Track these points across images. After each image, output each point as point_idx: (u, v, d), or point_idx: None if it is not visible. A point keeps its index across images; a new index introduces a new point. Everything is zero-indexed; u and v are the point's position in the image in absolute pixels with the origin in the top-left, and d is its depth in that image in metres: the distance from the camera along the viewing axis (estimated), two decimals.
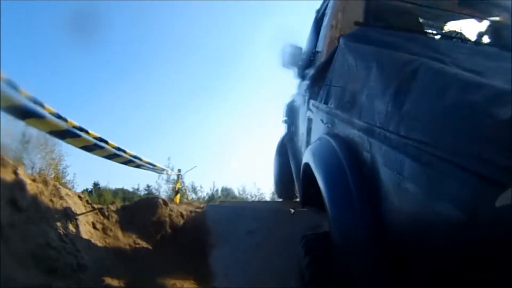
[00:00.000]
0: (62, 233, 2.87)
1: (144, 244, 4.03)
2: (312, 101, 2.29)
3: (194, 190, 8.96)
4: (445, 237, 0.72)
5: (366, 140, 1.15)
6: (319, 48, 2.58)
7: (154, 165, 5.04)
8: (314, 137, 2.06)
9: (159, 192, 8.38)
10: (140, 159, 4.26)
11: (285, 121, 3.99)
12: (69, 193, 3.51)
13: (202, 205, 5.49)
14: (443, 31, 2.36)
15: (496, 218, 0.58)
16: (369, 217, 1.03)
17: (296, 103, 3.32)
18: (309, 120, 2.31)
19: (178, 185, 6.27)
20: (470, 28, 2.20)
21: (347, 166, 1.22)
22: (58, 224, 2.93)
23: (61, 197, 3.19)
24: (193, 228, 4.55)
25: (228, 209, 4.61)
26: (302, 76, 3.03)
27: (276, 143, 4.50)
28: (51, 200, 3.01)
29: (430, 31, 2.33)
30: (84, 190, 9.28)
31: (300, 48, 3.07)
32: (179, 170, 6.63)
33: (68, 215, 3.15)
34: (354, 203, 1.11)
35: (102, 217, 3.80)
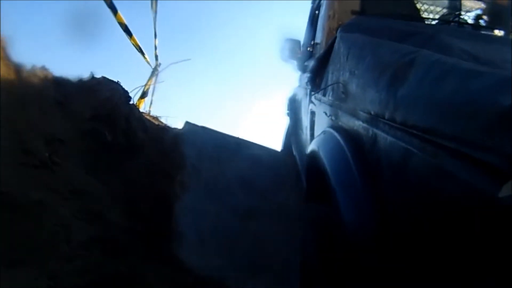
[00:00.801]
0: None
1: (75, 147, 2.23)
2: (314, 94, 2.28)
3: None
4: (449, 228, 0.72)
5: (371, 131, 1.14)
6: (317, 40, 2.57)
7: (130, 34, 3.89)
8: (317, 130, 2.06)
9: None
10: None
11: (288, 114, 3.98)
12: None
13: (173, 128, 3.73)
14: (441, 16, 2.34)
15: (500, 209, 0.57)
16: (376, 210, 1.03)
17: (298, 96, 3.31)
18: (312, 113, 2.30)
19: (149, 84, 4.02)
20: (469, 11, 2.18)
21: (352, 159, 1.22)
22: None
23: None
24: (160, 150, 2.85)
25: (216, 140, 3.15)
26: (303, 69, 3.02)
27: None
28: None
29: (427, 16, 2.30)
30: None
31: (299, 41, 3.06)
32: (158, 64, 4.30)
33: None
34: (360, 196, 1.11)
35: (16, 80, 2.15)
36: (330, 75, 1.85)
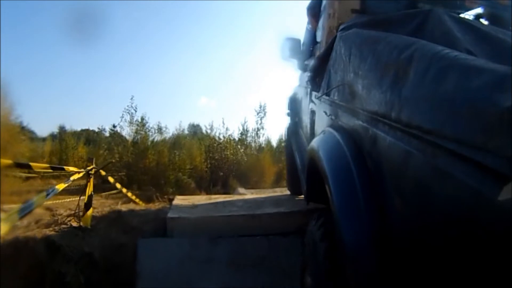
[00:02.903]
0: None
1: None
2: (314, 93, 2.27)
3: (159, 130, 8.25)
4: (449, 230, 0.71)
5: (370, 131, 1.14)
6: (318, 39, 2.56)
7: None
8: (318, 129, 2.05)
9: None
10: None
11: (288, 114, 3.97)
12: None
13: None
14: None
15: (500, 210, 0.57)
16: (374, 210, 1.03)
17: (299, 96, 3.30)
18: (312, 113, 2.29)
19: (90, 188, 3.05)
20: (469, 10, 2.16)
21: (351, 159, 1.21)
22: None
23: None
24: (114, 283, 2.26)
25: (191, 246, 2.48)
26: (303, 68, 3.01)
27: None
28: None
29: None
30: (50, 134, 8.36)
31: (299, 40, 3.05)
32: (92, 162, 3.31)
33: None
34: (359, 197, 1.10)
35: None
36: (330, 75, 1.85)
